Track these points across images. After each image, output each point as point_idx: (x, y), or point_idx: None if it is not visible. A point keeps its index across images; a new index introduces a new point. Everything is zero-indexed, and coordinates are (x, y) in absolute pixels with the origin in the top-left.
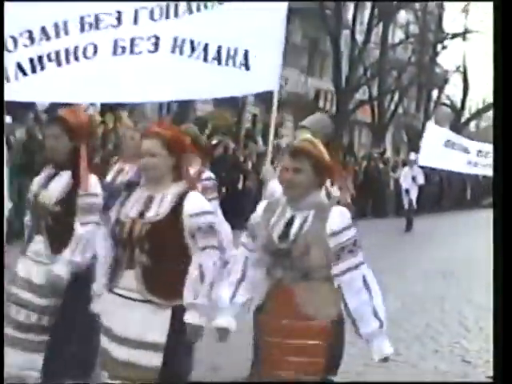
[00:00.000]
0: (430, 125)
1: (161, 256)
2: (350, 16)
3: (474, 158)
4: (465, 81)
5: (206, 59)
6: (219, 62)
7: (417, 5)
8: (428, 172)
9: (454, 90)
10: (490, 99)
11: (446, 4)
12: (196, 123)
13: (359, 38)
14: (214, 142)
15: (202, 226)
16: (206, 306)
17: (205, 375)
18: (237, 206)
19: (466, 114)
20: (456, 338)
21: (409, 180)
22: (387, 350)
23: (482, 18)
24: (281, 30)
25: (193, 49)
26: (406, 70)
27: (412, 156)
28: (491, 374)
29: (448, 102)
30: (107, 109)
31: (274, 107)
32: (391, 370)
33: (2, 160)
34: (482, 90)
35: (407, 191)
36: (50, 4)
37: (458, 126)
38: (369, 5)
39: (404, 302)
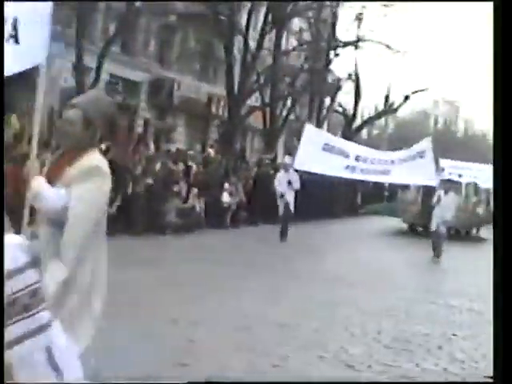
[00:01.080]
0: (308, 127)
1: None
2: (243, 22)
3: (353, 163)
4: (356, 88)
5: None
6: None
7: (310, 13)
8: (319, 178)
9: (346, 98)
10: (381, 107)
11: (339, 12)
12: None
13: (252, 43)
14: (103, 146)
15: None
16: None
17: None
18: (125, 211)
19: (358, 121)
20: (341, 343)
21: (284, 184)
22: None
23: (374, 27)
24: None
25: None
26: (298, 77)
27: (287, 159)
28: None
29: (340, 109)
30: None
31: (41, 86)
32: (274, 377)
33: (2, 159)
34: (374, 98)
35: (282, 196)
36: None
37: (349, 133)
38: (262, 11)
39: (292, 308)
